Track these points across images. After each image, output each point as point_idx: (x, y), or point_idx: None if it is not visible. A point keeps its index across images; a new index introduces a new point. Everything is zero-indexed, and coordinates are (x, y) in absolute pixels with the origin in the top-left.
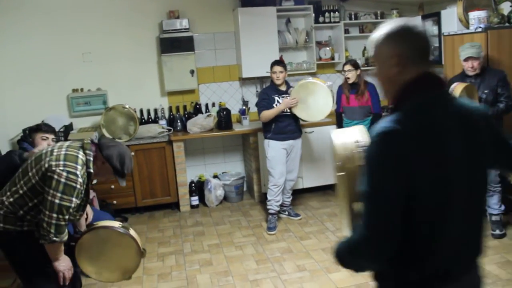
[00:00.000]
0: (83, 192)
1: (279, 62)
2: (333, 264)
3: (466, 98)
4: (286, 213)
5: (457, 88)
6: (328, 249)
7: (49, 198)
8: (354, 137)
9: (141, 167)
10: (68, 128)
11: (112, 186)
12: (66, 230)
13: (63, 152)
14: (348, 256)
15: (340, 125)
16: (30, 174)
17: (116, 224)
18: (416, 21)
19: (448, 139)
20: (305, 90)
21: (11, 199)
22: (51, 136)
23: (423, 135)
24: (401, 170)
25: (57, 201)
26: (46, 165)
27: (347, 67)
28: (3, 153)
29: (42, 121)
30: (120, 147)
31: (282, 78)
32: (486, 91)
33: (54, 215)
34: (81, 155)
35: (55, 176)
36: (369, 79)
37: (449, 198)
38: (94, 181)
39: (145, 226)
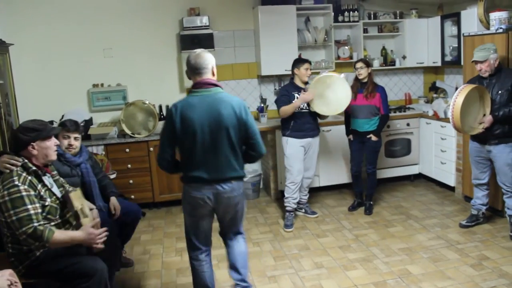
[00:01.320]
0: (40, 194)
1: (308, 60)
2: (350, 262)
3: (478, 99)
4: (303, 210)
5: (464, 90)
6: (345, 246)
7: (9, 220)
8: None
9: None
10: (88, 123)
11: (131, 181)
12: (47, 227)
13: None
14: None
15: (347, 123)
16: None
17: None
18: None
19: (197, 111)
20: (322, 84)
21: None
22: (73, 135)
23: (186, 108)
24: (171, 125)
25: (14, 218)
26: None
27: (359, 64)
28: None
29: (62, 116)
30: (20, 126)
31: (310, 75)
32: (500, 92)
33: (22, 230)
34: (14, 168)
35: (1, 200)
36: (378, 79)
37: (194, 141)
38: (55, 172)
39: (163, 221)
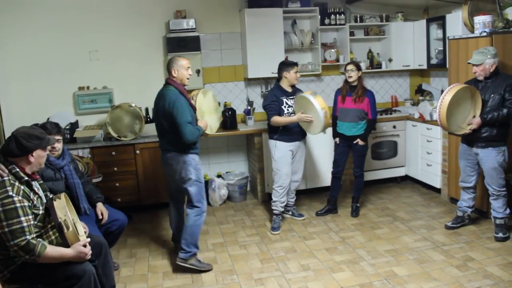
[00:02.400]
0: (33, 203)
1: (296, 63)
2: (337, 264)
3: (470, 99)
4: (290, 213)
5: (454, 88)
6: (332, 249)
7: (0, 232)
8: None
9: (146, 166)
10: (74, 126)
11: (117, 184)
12: (40, 242)
13: None
14: None
15: (334, 126)
16: None
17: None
18: None
19: (155, 101)
20: (305, 102)
21: None
22: (55, 138)
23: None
24: None
25: (6, 229)
26: None
27: (350, 66)
28: None
29: (48, 119)
30: (21, 131)
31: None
32: (492, 95)
33: (14, 242)
34: (5, 177)
35: None
36: (364, 82)
37: (157, 125)
38: (40, 181)
39: (149, 224)
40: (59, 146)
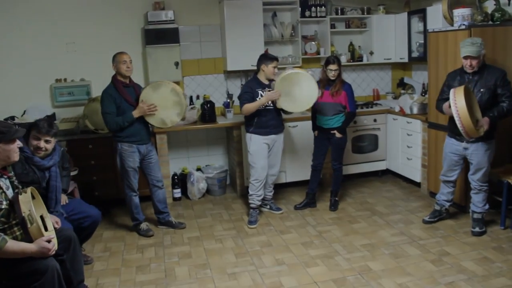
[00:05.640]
0: None
1: (276, 58)
2: (312, 259)
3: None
4: (268, 207)
5: (457, 93)
6: (308, 243)
7: None
8: None
9: None
10: (51, 118)
11: (94, 178)
12: (1, 236)
13: None
14: None
15: (313, 119)
16: None
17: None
18: None
19: None
20: (289, 82)
21: None
22: (44, 138)
23: None
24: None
25: None
26: None
27: (334, 66)
28: None
29: (24, 112)
30: None
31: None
32: (482, 90)
33: None
34: None
35: None
36: (345, 75)
37: None
38: (11, 174)
39: (127, 217)
40: (47, 146)
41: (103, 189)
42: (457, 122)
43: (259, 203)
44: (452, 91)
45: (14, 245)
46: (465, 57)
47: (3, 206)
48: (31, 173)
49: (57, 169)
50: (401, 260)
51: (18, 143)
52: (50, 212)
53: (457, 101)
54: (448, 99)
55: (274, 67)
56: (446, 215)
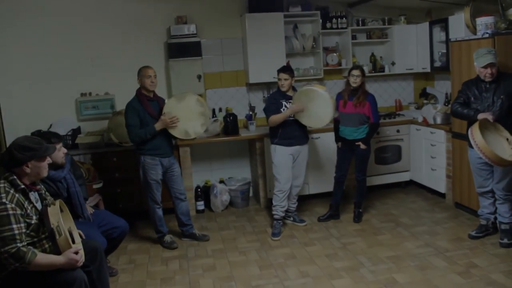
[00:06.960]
0: (26, 212)
1: (285, 69)
2: (336, 271)
3: (488, 129)
4: (291, 218)
5: (474, 131)
6: (332, 255)
7: None
8: None
9: None
10: (76, 132)
11: (119, 190)
12: (31, 249)
13: None
14: None
15: (336, 130)
16: None
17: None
18: None
19: None
20: (305, 96)
21: None
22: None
23: None
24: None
25: None
26: None
27: (357, 72)
28: None
29: (50, 125)
30: (16, 143)
31: (287, 86)
32: (502, 97)
33: (4, 249)
34: (1, 183)
35: None
36: (368, 86)
37: None
38: (39, 186)
39: (151, 230)
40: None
41: (127, 201)
42: (485, 159)
43: (283, 214)
44: (469, 130)
45: (43, 257)
46: (486, 66)
47: (33, 221)
48: (51, 188)
49: (71, 176)
50: (427, 272)
51: (48, 160)
52: (79, 218)
53: (475, 139)
54: (462, 103)
55: (280, 79)
56: (493, 229)
